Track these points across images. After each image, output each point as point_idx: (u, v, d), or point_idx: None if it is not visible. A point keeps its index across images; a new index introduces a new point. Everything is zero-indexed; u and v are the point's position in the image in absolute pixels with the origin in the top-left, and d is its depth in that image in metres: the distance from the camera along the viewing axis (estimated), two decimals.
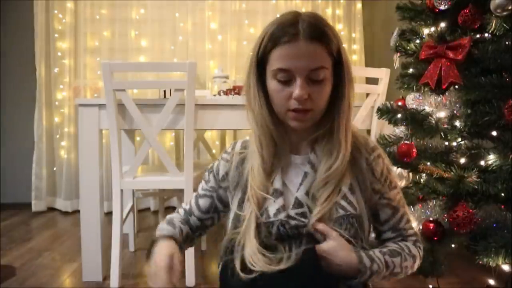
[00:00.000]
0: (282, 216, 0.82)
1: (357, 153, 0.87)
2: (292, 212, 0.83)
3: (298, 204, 0.84)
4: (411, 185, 1.63)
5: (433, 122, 1.46)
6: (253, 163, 0.87)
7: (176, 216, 1.00)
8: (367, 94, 2.20)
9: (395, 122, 1.59)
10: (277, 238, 0.82)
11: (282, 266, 0.77)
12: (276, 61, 0.80)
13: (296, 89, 0.78)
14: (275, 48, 0.79)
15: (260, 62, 0.84)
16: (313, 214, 0.81)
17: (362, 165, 0.86)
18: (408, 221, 0.91)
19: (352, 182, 0.85)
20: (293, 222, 0.82)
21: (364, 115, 2.14)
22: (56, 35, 3.51)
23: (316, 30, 0.79)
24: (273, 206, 0.84)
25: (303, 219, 0.82)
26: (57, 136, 3.53)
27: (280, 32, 0.79)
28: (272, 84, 0.82)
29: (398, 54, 1.70)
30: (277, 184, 0.86)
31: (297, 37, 0.78)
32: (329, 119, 0.85)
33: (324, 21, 0.81)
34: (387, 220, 0.89)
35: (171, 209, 3.41)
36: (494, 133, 1.41)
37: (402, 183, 1.60)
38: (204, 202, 0.98)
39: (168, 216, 1.01)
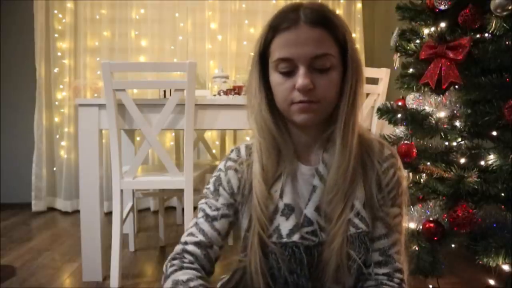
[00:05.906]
0: (296, 237, 0.74)
1: (369, 162, 0.77)
2: (303, 231, 0.75)
3: (308, 222, 0.75)
4: (411, 185, 1.63)
5: (433, 122, 1.46)
6: (254, 172, 0.77)
7: (189, 274, 0.75)
8: (367, 94, 2.20)
9: (395, 122, 1.59)
10: (289, 265, 0.74)
11: None
12: (276, 50, 0.72)
13: (299, 79, 0.69)
14: (275, 37, 0.72)
15: (263, 58, 0.76)
16: (328, 237, 0.74)
17: (371, 176, 0.77)
18: (399, 252, 0.79)
19: (364, 195, 0.76)
20: (305, 243, 0.74)
21: (364, 115, 2.15)
22: (56, 35, 3.51)
23: (319, 15, 0.71)
24: (285, 225, 0.75)
25: (313, 238, 0.75)
26: (57, 136, 3.53)
27: (280, 20, 0.72)
28: (274, 78, 0.73)
29: (398, 54, 1.70)
30: (287, 198, 0.76)
31: (297, 22, 0.70)
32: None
33: (328, 8, 0.73)
34: (379, 237, 0.78)
35: (171, 209, 3.41)
36: (494, 133, 1.41)
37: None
38: (222, 225, 0.80)
39: (176, 278, 0.74)
